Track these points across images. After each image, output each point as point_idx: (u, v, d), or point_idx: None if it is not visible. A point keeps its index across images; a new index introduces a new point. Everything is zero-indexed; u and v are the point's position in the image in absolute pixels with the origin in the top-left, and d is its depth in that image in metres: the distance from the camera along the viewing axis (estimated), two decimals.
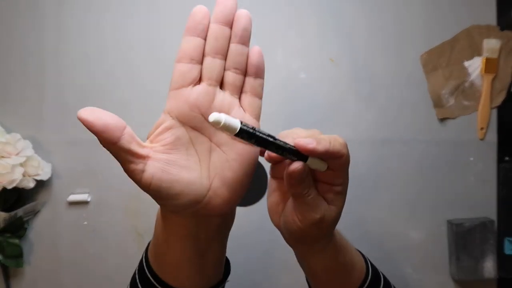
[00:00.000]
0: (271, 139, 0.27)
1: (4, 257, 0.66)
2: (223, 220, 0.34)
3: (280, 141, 0.28)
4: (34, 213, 0.68)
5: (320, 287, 0.39)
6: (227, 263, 0.40)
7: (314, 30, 0.72)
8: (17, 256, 0.67)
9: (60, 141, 0.69)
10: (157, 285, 0.34)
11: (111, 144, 0.27)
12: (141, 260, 0.37)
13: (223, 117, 0.24)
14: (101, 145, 0.27)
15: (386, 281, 0.41)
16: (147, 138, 0.31)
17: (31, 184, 0.65)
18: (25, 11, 0.68)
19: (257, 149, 0.32)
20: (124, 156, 0.27)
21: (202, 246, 0.33)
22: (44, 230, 0.69)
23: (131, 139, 0.27)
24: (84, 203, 0.69)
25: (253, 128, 0.26)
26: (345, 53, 0.72)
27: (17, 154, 0.64)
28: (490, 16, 0.73)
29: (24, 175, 0.63)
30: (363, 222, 0.73)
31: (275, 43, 0.71)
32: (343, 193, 0.32)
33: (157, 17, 0.69)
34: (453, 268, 0.72)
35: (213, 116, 0.24)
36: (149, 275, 0.35)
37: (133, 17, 0.69)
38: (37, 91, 0.68)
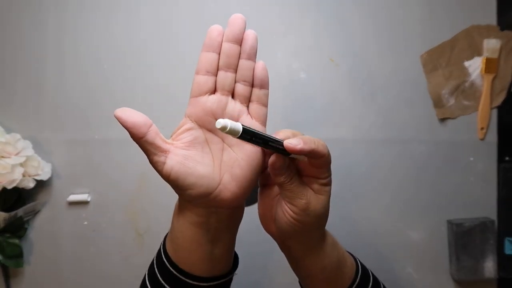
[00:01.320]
0: (266, 138, 0.32)
1: (4, 257, 0.66)
2: (232, 213, 0.37)
3: (273, 141, 0.32)
4: (34, 213, 0.68)
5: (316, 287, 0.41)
6: (236, 257, 0.42)
7: (314, 30, 0.72)
8: (17, 256, 0.67)
9: (60, 141, 0.69)
10: (170, 267, 0.37)
11: (138, 138, 0.32)
12: (160, 246, 0.40)
13: (228, 123, 0.28)
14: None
15: (373, 274, 0.44)
16: (171, 137, 0.35)
17: (31, 184, 0.65)
18: (26, 11, 0.68)
19: (261, 150, 0.36)
20: (149, 149, 0.33)
21: (212, 235, 0.37)
22: (44, 230, 0.69)
23: (155, 135, 0.33)
24: (84, 203, 0.69)
25: (252, 131, 0.30)
26: (345, 53, 0.72)
27: (17, 154, 0.64)
28: (490, 16, 0.73)
29: (24, 175, 0.63)
30: (362, 222, 0.73)
31: (275, 43, 0.71)
32: (328, 184, 0.36)
33: (156, 18, 0.69)
34: (453, 268, 0.72)
35: (220, 123, 0.28)
36: (164, 259, 0.38)
37: (133, 17, 0.69)
38: (37, 91, 0.68)
